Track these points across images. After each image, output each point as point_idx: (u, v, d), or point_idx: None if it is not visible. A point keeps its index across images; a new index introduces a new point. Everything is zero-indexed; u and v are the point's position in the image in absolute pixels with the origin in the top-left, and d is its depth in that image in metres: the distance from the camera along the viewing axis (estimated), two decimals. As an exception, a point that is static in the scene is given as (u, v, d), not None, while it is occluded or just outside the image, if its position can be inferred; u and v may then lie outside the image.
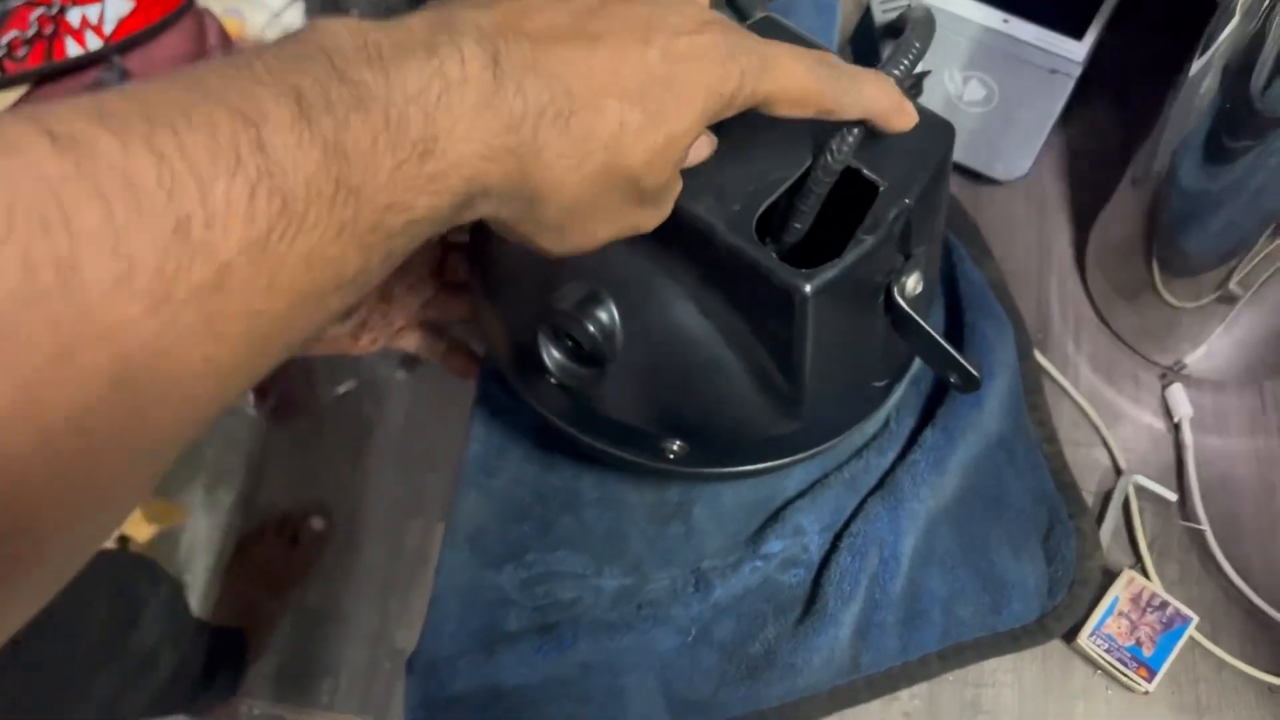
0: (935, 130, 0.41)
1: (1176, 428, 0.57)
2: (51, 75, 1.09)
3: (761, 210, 0.38)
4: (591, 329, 0.40)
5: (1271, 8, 0.41)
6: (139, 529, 1.38)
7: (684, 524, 0.55)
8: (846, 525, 0.53)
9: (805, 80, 0.32)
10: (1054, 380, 0.58)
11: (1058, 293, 0.60)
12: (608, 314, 0.40)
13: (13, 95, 1.10)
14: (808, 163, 0.39)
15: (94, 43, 1.07)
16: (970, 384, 0.43)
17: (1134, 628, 0.51)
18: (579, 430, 0.46)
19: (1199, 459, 0.55)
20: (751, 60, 0.31)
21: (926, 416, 0.56)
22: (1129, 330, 0.59)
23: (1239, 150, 0.47)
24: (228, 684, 1.34)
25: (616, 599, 0.53)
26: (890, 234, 0.39)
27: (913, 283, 0.42)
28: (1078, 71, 0.58)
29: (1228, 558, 0.52)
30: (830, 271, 0.37)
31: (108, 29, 1.08)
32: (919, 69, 0.40)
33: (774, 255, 0.37)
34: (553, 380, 0.42)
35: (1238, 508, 0.54)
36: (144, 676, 0.92)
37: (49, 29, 1.03)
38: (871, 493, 0.54)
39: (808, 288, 0.37)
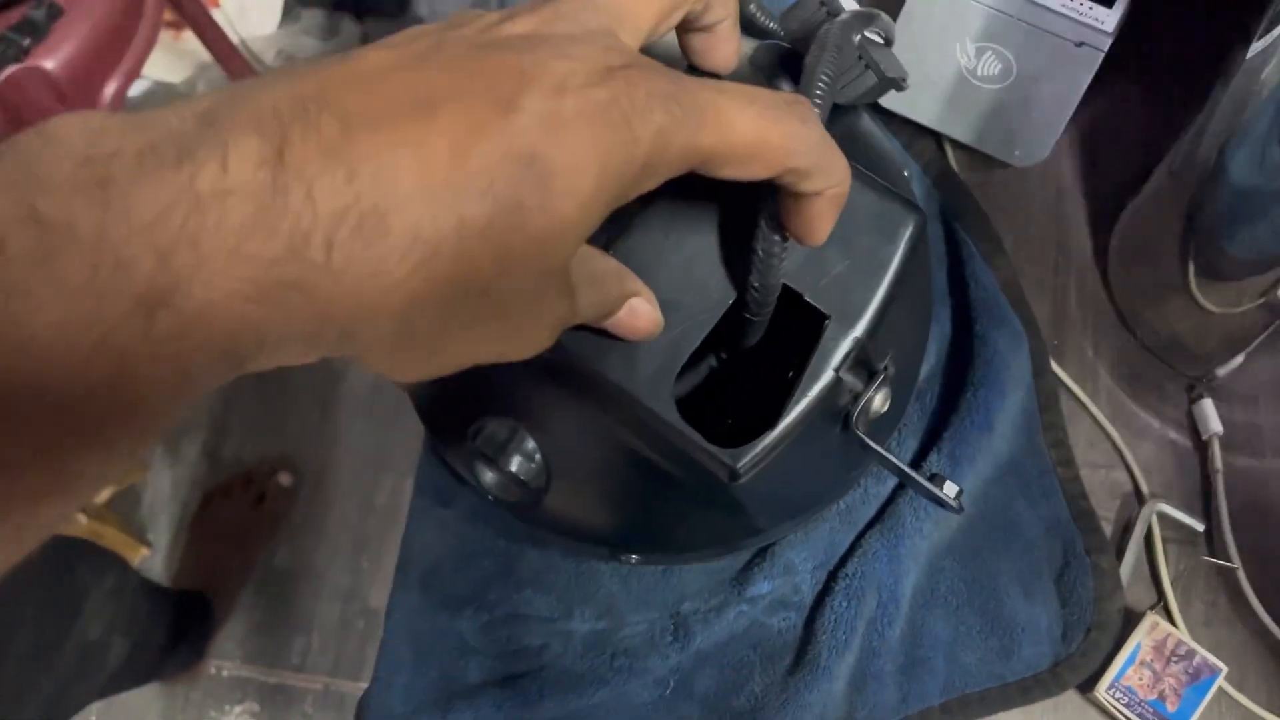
0: (896, 221, 0.34)
1: (1205, 447, 0.51)
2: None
3: (682, 364, 0.32)
4: (515, 469, 0.35)
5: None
6: (96, 488, 1.32)
7: (662, 561, 0.49)
8: (842, 563, 0.48)
9: (758, 128, 0.24)
10: (1071, 393, 0.52)
11: (1076, 293, 0.54)
12: (531, 452, 0.36)
13: (-65, 35, 1.01)
14: (729, 296, 0.32)
15: (20, -23, 0.98)
16: (948, 510, 0.37)
17: (1157, 679, 0.46)
18: (532, 526, 0.41)
19: (1229, 483, 0.50)
20: (674, 113, 0.23)
21: (931, 437, 0.51)
22: (1155, 337, 0.53)
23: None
24: (195, 648, 1.30)
25: (587, 647, 0.48)
26: (837, 376, 0.32)
27: (878, 402, 0.35)
28: (1107, 44, 0.52)
29: (1260, 598, 0.48)
30: (762, 442, 0.32)
31: (34, -38, 0.98)
32: (895, 74, 0.35)
33: (696, 434, 0.31)
34: (491, 498, 0.36)
35: (1273, 538, 0.49)
36: (91, 668, 0.88)
37: (-30, -37, 0.94)
38: (869, 526, 0.49)
39: (739, 464, 0.31)
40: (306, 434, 1.45)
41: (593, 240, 0.29)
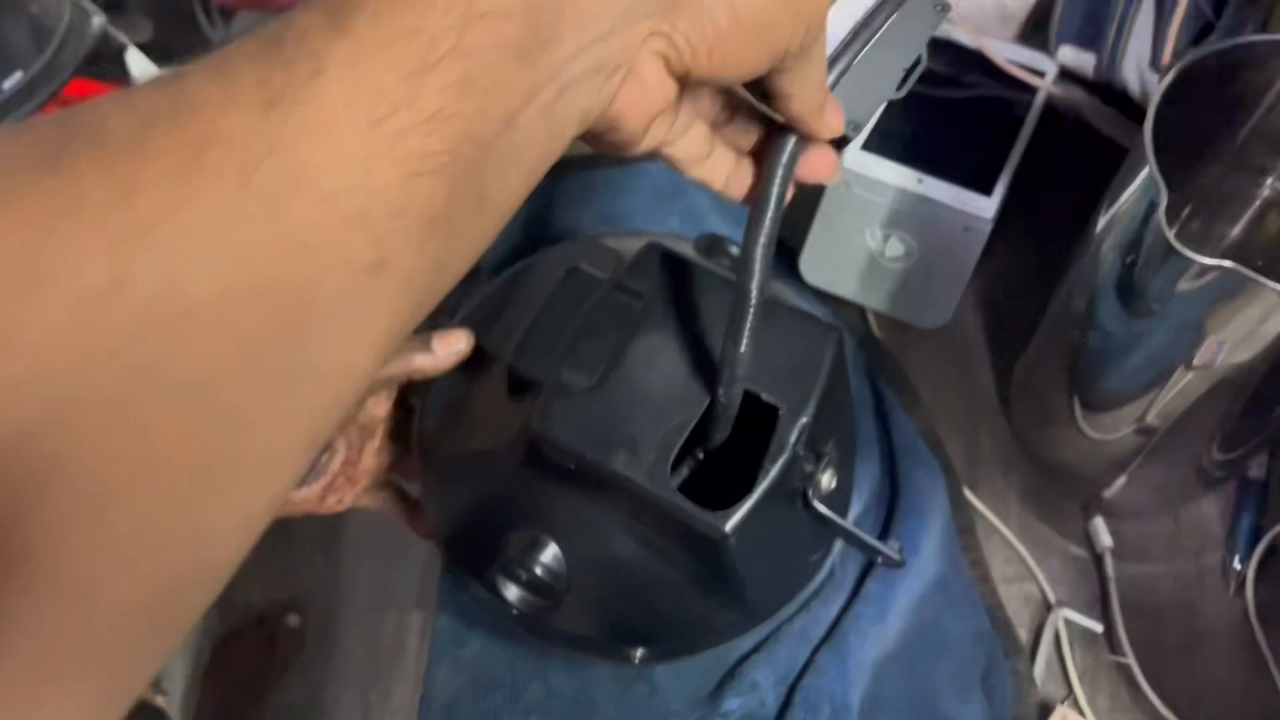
0: (821, 336, 0.45)
1: (1099, 558, 0.61)
2: None
3: (674, 455, 0.41)
4: (539, 571, 0.43)
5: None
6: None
7: (648, 685, 0.58)
8: (799, 678, 0.57)
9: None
10: (985, 519, 0.62)
11: (986, 432, 0.64)
12: (552, 556, 0.44)
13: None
14: (706, 398, 0.42)
15: None
16: (893, 565, 0.47)
17: (1069, 762, 0.55)
18: (544, 639, 0.50)
19: (1121, 587, 0.59)
20: None
21: (869, 565, 0.60)
22: (1053, 465, 0.63)
23: (1145, 302, 0.51)
24: (212, 792, 1.34)
25: (587, 764, 0.56)
26: (795, 453, 0.42)
27: (826, 480, 0.45)
28: (989, 227, 0.63)
29: (1152, 685, 0.57)
30: (744, 507, 0.41)
31: None
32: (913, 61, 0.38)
33: (691, 504, 0.41)
34: (514, 611, 0.45)
35: (1161, 632, 0.58)
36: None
37: None
38: (821, 644, 0.58)
39: (727, 527, 0.40)
40: (312, 575, 1.52)
41: (593, 365, 0.42)
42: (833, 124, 0.35)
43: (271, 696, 1.44)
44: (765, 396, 0.43)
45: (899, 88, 0.37)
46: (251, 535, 0.24)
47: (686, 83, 0.31)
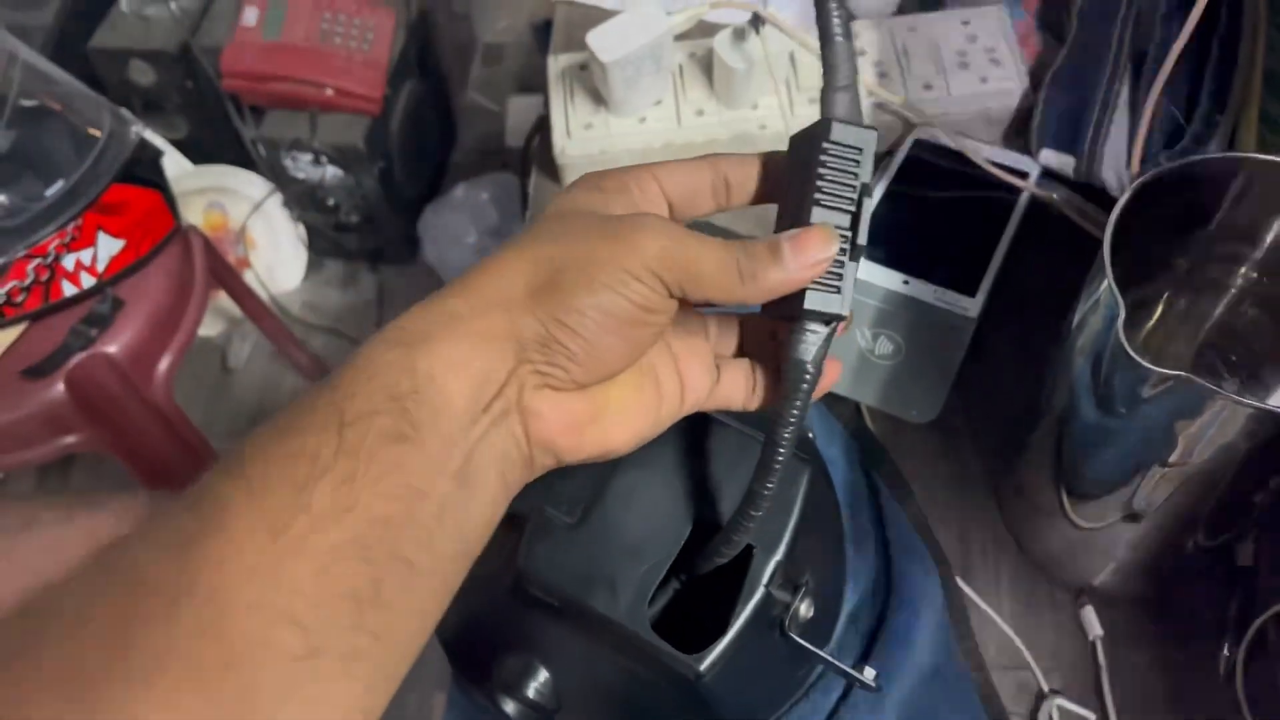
0: (794, 472, 0.47)
1: (1092, 647, 0.62)
2: (48, 312, 1.16)
3: (651, 593, 0.44)
4: (532, 695, 0.46)
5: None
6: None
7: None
8: (798, 769, 0.59)
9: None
10: (979, 608, 0.64)
11: (977, 523, 0.66)
12: (544, 681, 0.47)
13: (13, 333, 1.17)
14: (685, 531, 0.45)
15: (88, 281, 1.15)
16: (868, 689, 0.49)
17: None
18: None
19: (1113, 675, 0.61)
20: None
21: (865, 656, 0.62)
22: (1044, 554, 0.65)
23: (1114, 405, 0.53)
24: None
25: None
26: (769, 591, 0.45)
27: (804, 609, 0.47)
28: (974, 325, 0.66)
29: (1145, 774, 0.58)
30: (718, 647, 0.43)
31: (100, 267, 1.15)
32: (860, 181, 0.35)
33: (667, 645, 0.43)
34: None
35: (1153, 721, 0.60)
36: None
37: (45, 276, 1.11)
38: (818, 735, 0.60)
39: (701, 667, 0.43)
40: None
41: (575, 503, 0.45)
42: (791, 262, 0.33)
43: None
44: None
45: (858, 237, 0.35)
46: None
47: (589, 383, 0.34)
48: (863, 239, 0.35)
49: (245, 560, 0.26)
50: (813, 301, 0.35)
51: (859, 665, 0.62)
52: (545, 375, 0.33)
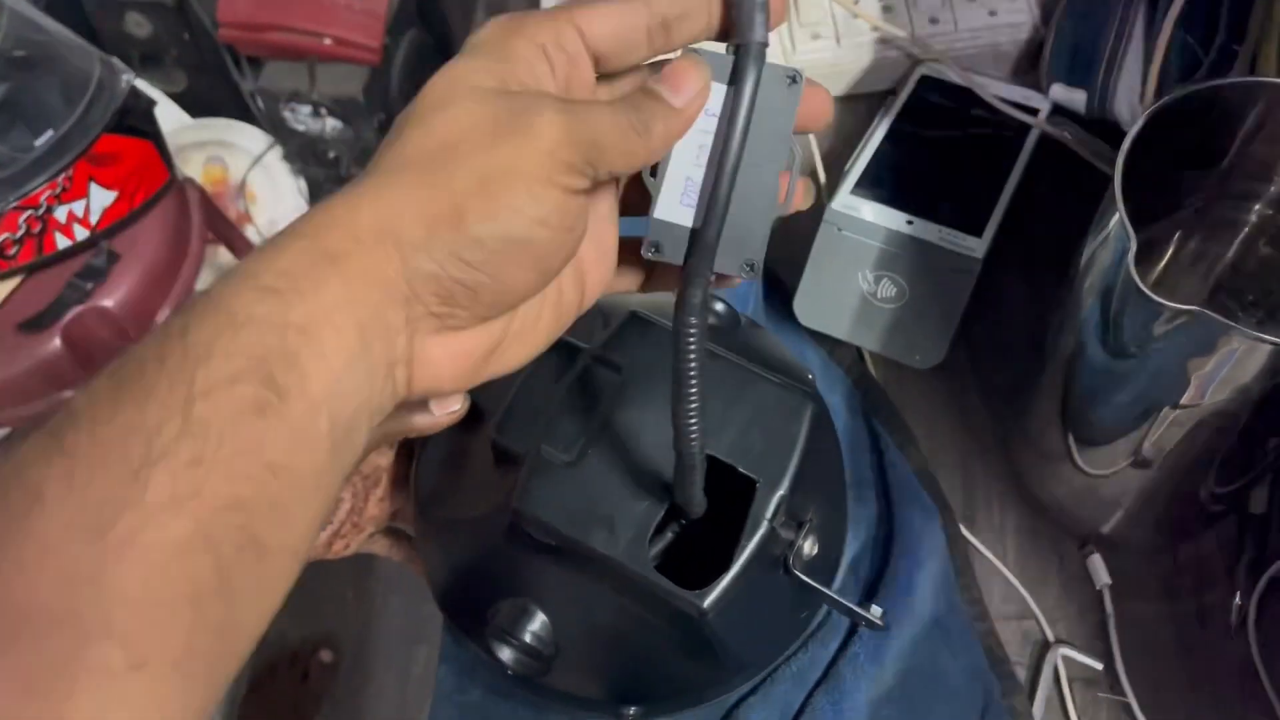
0: (797, 405, 0.45)
1: (1099, 596, 0.61)
2: (42, 265, 1.15)
3: (651, 531, 0.42)
4: (529, 639, 0.44)
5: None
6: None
7: (646, 729, 0.59)
8: (796, 720, 0.57)
9: None
10: (983, 555, 0.62)
11: (982, 469, 0.65)
12: (540, 624, 0.45)
13: (6, 286, 1.16)
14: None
15: (81, 234, 1.13)
16: (875, 628, 0.47)
17: (1068, 804, 0.55)
18: (539, 696, 0.51)
19: (1120, 626, 0.59)
20: None
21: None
22: (1050, 502, 0.63)
23: (1124, 344, 0.51)
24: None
25: (587, 808, 0.57)
26: (772, 526, 0.43)
27: (808, 547, 0.46)
28: (979, 266, 0.63)
29: (1152, 725, 0.56)
30: (721, 583, 0.42)
31: (94, 220, 1.14)
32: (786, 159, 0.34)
33: (669, 582, 0.41)
34: (510, 672, 0.46)
35: (1162, 670, 0.58)
36: None
37: (37, 228, 1.09)
38: (817, 685, 0.58)
39: (705, 604, 0.41)
40: (344, 612, 1.54)
41: (572, 441, 0.42)
42: (675, 98, 0.31)
43: (306, 732, 1.47)
44: (742, 469, 0.44)
45: (784, 199, 0.34)
46: None
47: (491, 317, 0.31)
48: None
49: (59, 567, 0.22)
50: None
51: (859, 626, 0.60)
52: (441, 318, 0.29)
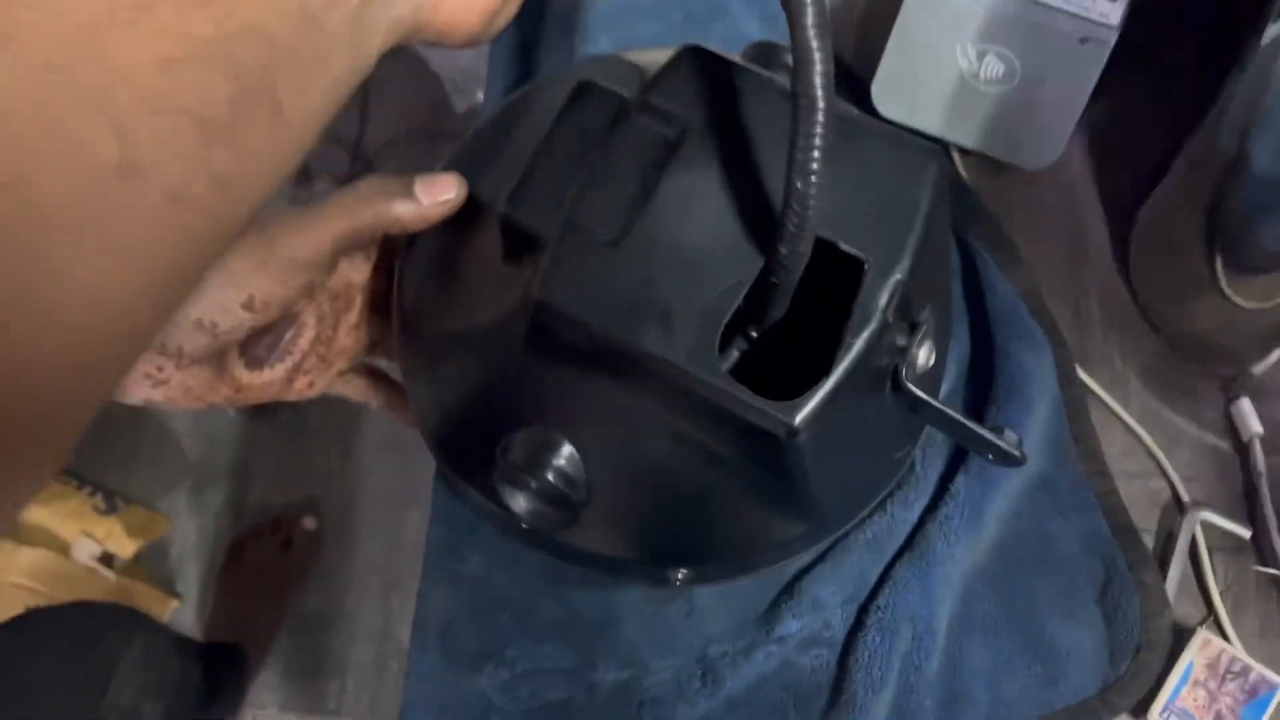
0: (918, 164, 0.33)
1: (1245, 449, 0.49)
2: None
3: (721, 330, 0.30)
4: (552, 478, 0.33)
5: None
6: (122, 544, 1.32)
7: (686, 603, 0.48)
8: (873, 596, 0.46)
9: None
10: (1101, 402, 0.50)
11: (1099, 298, 0.52)
12: (568, 459, 0.33)
13: None
14: (761, 249, 0.31)
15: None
16: (1010, 461, 0.35)
17: (1213, 699, 0.44)
18: (562, 558, 0.39)
19: (1274, 485, 0.48)
20: None
21: (957, 457, 0.49)
22: (1184, 337, 0.51)
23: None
24: (231, 700, 1.29)
25: (612, 698, 0.46)
26: (885, 320, 0.31)
27: (924, 356, 0.34)
28: (1113, 38, 0.50)
29: (1314, 606, 0.46)
30: (819, 393, 0.30)
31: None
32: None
33: (747, 391, 0.30)
34: (524, 526, 0.34)
35: (1322, 541, 0.47)
36: (125, 733, 0.87)
37: None
38: (899, 554, 0.47)
39: (796, 420, 0.29)
40: (329, 476, 1.45)
41: (612, 214, 0.31)
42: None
43: (290, 602, 1.38)
44: (845, 246, 0.31)
45: None
46: None
47: None
48: None
49: (61, 6, 0.18)
50: None
51: (951, 472, 0.49)
52: None
